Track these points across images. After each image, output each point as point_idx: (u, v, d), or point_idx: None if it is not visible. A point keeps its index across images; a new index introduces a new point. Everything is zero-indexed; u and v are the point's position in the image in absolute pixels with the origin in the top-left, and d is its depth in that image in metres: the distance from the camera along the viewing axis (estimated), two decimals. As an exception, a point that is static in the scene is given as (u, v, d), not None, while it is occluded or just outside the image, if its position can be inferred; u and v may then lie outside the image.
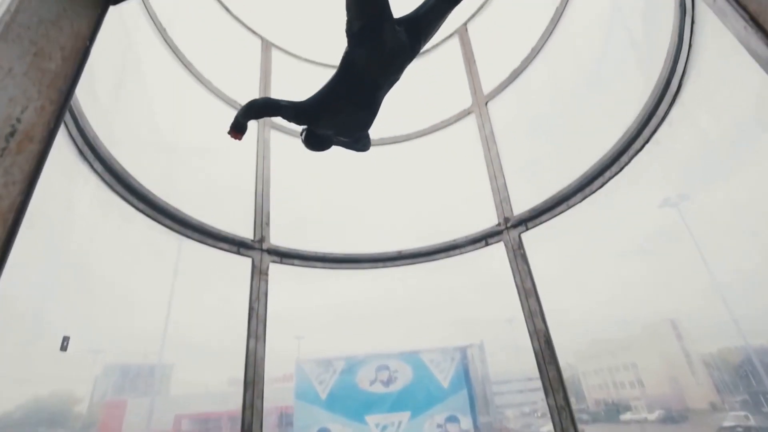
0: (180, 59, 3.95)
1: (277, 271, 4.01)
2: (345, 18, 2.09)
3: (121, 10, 3.16)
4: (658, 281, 3.39)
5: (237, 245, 3.74)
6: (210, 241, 3.52)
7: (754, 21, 1.31)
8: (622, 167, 3.04)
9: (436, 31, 2.25)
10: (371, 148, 5.58)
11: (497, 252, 4.09)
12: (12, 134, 0.51)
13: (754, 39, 1.41)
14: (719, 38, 1.70)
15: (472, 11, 5.69)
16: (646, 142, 2.73)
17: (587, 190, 3.39)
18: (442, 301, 4.38)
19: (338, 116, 2.37)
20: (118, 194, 2.63)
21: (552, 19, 4.20)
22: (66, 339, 2.07)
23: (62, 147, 2.05)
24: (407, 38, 2.12)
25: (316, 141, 2.57)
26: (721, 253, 2.71)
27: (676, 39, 2.11)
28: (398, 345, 5.85)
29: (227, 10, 5.24)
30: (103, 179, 2.45)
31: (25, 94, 0.54)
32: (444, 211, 4.84)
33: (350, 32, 2.10)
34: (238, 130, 2.65)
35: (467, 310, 4.30)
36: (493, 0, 5.47)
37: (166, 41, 3.78)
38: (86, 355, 2.45)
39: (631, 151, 2.88)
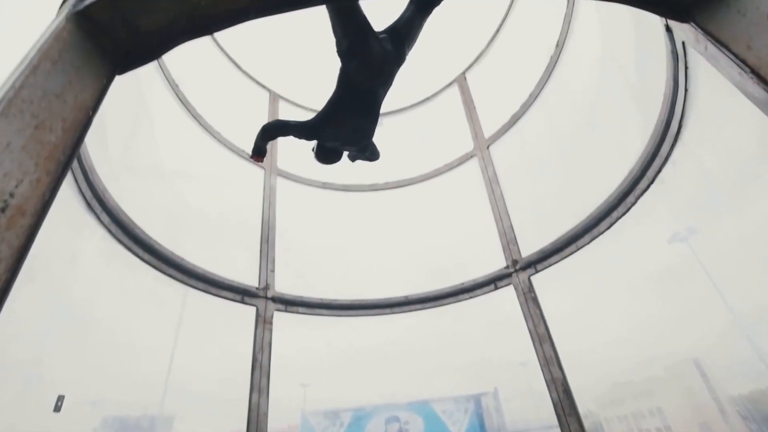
0: (190, 112, 4.12)
1: (281, 320, 3.91)
2: (334, 41, 2.33)
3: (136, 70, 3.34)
4: (675, 318, 3.24)
5: (241, 293, 3.68)
6: (214, 290, 3.48)
7: (748, 67, 1.32)
8: (629, 207, 3.02)
9: (417, 36, 2.50)
10: (379, 192, 5.66)
11: (507, 295, 3.98)
12: (3, 210, 0.51)
13: (750, 84, 1.43)
14: (715, 82, 1.73)
15: (470, 61, 5.95)
16: (651, 182, 2.72)
17: (595, 231, 3.34)
18: (453, 346, 4.21)
19: (342, 127, 2.63)
20: (124, 245, 2.63)
21: (547, 67, 4.36)
22: (60, 398, 1.98)
23: (70, 200, 2.08)
24: (392, 46, 2.38)
25: (326, 154, 2.90)
26: (737, 287, 2.61)
27: (672, 83, 2.15)
28: (408, 393, 5.57)
29: (237, 65, 5.53)
30: (109, 230, 2.46)
31: (20, 168, 0.54)
32: (451, 255, 4.78)
33: (341, 51, 2.35)
34: (259, 154, 3.00)
35: (479, 354, 4.12)
36: (490, 51, 5.72)
37: (177, 96, 3.96)
38: (85, 407, 2.35)
39: (636, 191, 2.87)
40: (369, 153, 3.14)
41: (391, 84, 2.58)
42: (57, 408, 1.97)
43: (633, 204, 2.96)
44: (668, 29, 1.86)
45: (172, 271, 3.13)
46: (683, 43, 1.81)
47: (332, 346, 4.25)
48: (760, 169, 1.96)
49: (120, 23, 0.70)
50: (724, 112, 1.85)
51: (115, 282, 2.60)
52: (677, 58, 1.98)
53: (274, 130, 2.88)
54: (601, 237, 3.32)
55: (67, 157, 0.63)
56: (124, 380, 2.75)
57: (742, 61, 0.89)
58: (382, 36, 2.36)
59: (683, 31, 1.73)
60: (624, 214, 3.06)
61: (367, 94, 2.50)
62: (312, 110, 6.28)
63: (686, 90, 2.05)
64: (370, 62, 2.35)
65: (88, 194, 2.20)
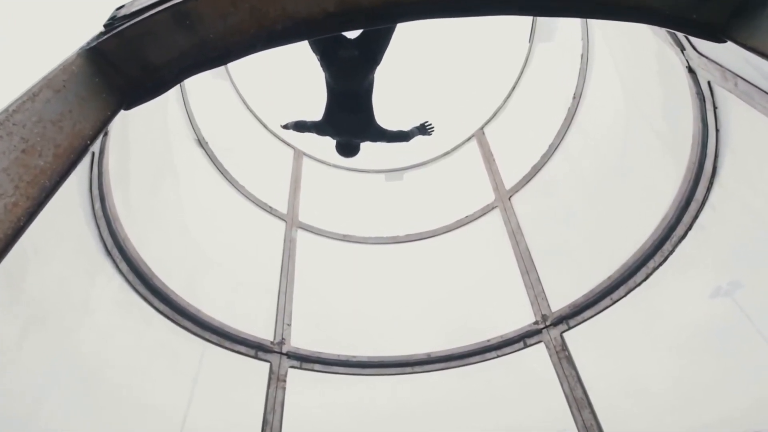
0: (217, 166, 4.29)
1: (296, 378, 3.70)
2: None
3: (167, 125, 3.56)
4: (728, 382, 2.86)
5: (255, 348, 3.54)
6: (228, 343, 3.36)
7: None
8: (666, 256, 2.81)
9: (386, 42, 2.71)
10: (400, 245, 5.57)
11: (538, 354, 3.66)
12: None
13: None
14: (749, 118, 1.64)
15: (488, 117, 6.08)
16: (689, 228, 2.54)
17: (631, 283, 3.11)
18: (480, 411, 3.82)
19: (343, 124, 3.08)
20: (140, 295, 2.61)
21: (566, 118, 4.38)
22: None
23: (90, 247, 2.10)
24: (359, 52, 2.66)
25: (342, 148, 3.37)
26: None
27: (700, 124, 2.07)
28: None
29: (264, 125, 5.85)
30: (126, 279, 2.46)
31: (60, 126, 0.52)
32: (475, 310, 4.52)
33: (319, 63, 2.75)
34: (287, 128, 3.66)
35: (509, 422, 3.71)
36: (507, 106, 5.86)
37: (205, 151, 4.16)
38: None
39: (673, 239, 2.68)
40: (388, 139, 3.44)
41: (369, 83, 2.89)
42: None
43: (671, 252, 2.75)
44: (690, 70, 1.82)
45: (187, 324, 3.06)
46: (709, 82, 1.76)
47: (349, 409, 3.94)
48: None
49: (131, 59, 0.71)
50: (765, 150, 1.73)
51: (128, 332, 2.54)
52: (703, 99, 1.92)
53: (296, 125, 3.50)
54: (638, 289, 3.07)
55: (54, 182, 0.61)
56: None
57: None
58: (351, 44, 2.65)
59: (708, 70, 1.69)
60: (661, 263, 2.84)
61: (347, 95, 2.91)
62: (334, 166, 6.48)
63: (717, 130, 1.96)
64: (338, 70, 2.74)
65: (109, 242, 2.23)
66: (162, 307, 2.83)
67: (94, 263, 2.17)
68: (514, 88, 5.79)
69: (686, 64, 1.78)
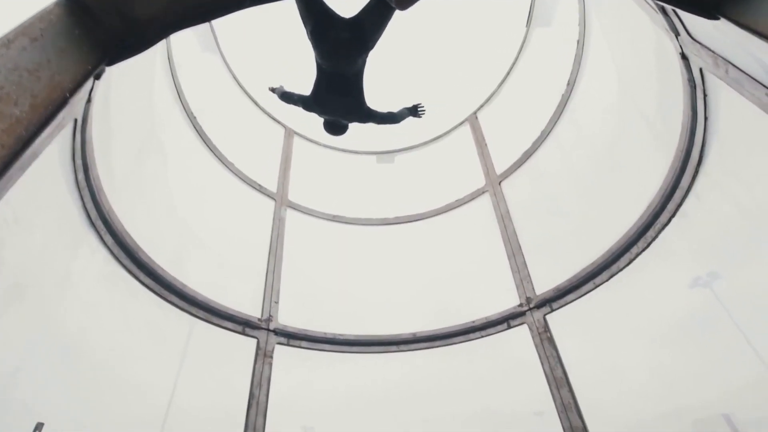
0: (206, 142, 4.21)
1: (283, 354, 3.74)
2: None
3: (154, 99, 3.46)
4: (702, 369, 2.98)
5: (242, 324, 3.55)
6: (215, 319, 3.37)
7: None
8: (649, 242, 2.87)
9: (381, 27, 2.59)
10: (389, 227, 5.57)
11: (521, 335, 3.75)
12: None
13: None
14: (738, 106, 1.66)
15: (481, 102, 6.05)
16: (672, 215, 2.59)
17: (614, 268, 3.18)
18: (463, 390, 3.92)
19: (330, 105, 2.96)
20: (126, 268, 2.58)
21: (559, 105, 4.38)
22: (39, 426, 1.86)
23: (73, 217, 2.06)
24: (351, 36, 2.54)
25: (330, 126, 3.22)
26: (765, 333, 2.39)
27: (690, 112, 2.09)
28: None
29: (255, 102, 5.73)
30: (111, 252, 2.42)
31: (39, 73, 0.50)
32: (461, 292, 4.59)
33: (308, 37, 2.63)
34: (275, 91, 3.49)
35: (491, 401, 3.82)
36: (501, 91, 5.82)
37: (194, 126, 4.07)
38: None
39: (657, 225, 2.74)
40: (378, 120, 3.26)
41: (359, 67, 2.78)
42: (35, 436, 1.84)
43: (654, 238, 2.81)
44: (684, 57, 1.82)
45: (173, 298, 3.05)
46: (701, 69, 1.76)
47: (335, 387, 4.01)
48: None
49: (113, 11, 0.68)
50: (752, 139, 1.76)
51: (113, 306, 2.53)
52: (694, 86, 1.93)
53: (284, 95, 3.35)
54: (620, 274, 3.14)
55: (31, 133, 0.59)
56: (116, 411, 2.59)
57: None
58: (342, 26, 2.55)
59: (701, 57, 1.69)
60: (644, 249, 2.91)
61: (336, 76, 2.78)
62: (325, 146, 6.41)
63: (706, 118, 1.98)
64: (327, 50, 2.64)
65: (93, 213, 2.19)
66: (148, 281, 2.81)
67: (77, 235, 2.13)
68: (509, 73, 5.74)
69: (680, 50, 1.78)
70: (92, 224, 2.21)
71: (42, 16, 0.60)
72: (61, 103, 0.65)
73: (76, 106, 1.41)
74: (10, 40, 0.54)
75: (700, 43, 1.56)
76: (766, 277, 2.29)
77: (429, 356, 4.14)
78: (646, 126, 2.93)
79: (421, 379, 4.08)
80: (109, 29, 0.70)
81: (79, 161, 1.89)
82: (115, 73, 2.20)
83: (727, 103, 1.78)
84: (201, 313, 3.27)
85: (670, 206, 2.55)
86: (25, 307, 1.73)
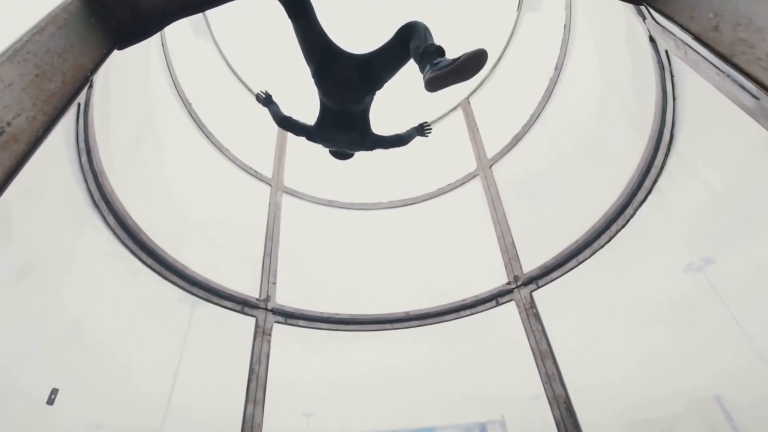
0: (201, 129, 4.29)
1: (280, 333, 3.90)
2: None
3: (150, 86, 3.53)
4: (690, 351, 3.11)
5: (241, 304, 3.70)
6: (215, 299, 3.51)
7: (727, 61, 1.33)
8: (627, 219, 3.02)
9: (395, 67, 2.44)
10: (383, 211, 5.69)
11: (509, 312, 3.92)
12: (0, 134, 0.58)
13: (728, 83, 1.47)
14: (699, 87, 1.78)
15: (474, 87, 6.12)
16: (648, 192, 2.73)
17: (595, 245, 3.33)
18: (454, 364, 4.11)
19: (334, 138, 2.82)
20: (128, 248, 2.70)
21: (547, 89, 4.47)
22: (54, 391, 2.00)
23: (77, 198, 2.17)
24: (360, 76, 2.39)
25: (337, 155, 3.14)
26: (756, 318, 2.50)
27: (661, 93, 2.21)
28: (410, 418, 5.39)
29: (249, 89, 5.78)
30: (114, 232, 2.54)
31: (19, 104, 0.61)
32: (453, 273, 4.75)
33: (312, 75, 2.48)
34: (264, 102, 3.32)
35: (480, 374, 4.02)
36: (493, 77, 5.89)
37: (190, 113, 4.14)
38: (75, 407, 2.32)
39: (635, 203, 2.88)
40: (386, 146, 3.16)
41: (366, 104, 2.65)
42: (50, 401, 1.98)
43: (632, 216, 2.96)
44: (652, 40, 1.94)
45: (174, 278, 3.18)
46: (666, 51, 1.88)
47: (331, 363, 4.18)
48: (754, 174, 1.97)
49: (123, 3, 0.79)
50: (711, 117, 1.89)
51: (116, 285, 2.65)
52: (663, 67, 2.04)
53: (286, 120, 3.13)
54: (601, 251, 3.30)
55: (63, 104, 0.71)
56: (120, 387, 2.73)
57: (686, 31, 0.94)
58: (352, 63, 2.38)
59: (665, 39, 1.81)
60: (623, 226, 3.06)
61: (340, 113, 2.62)
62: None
63: (674, 98, 2.11)
64: (332, 88, 2.46)
65: (96, 195, 2.30)
66: (150, 261, 2.93)
67: (81, 215, 2.24)
68: (500, 58, 5.80)
69: (648, 34, 1.89)
70: (95, 205, 2.32)
71: (65, 7, 0.70)
72: (84, 81, 0.77)
73: (75, 95, 1.51)
74: (42, 27, 0.64)
75: (663, 26, 1.68)
76: (740, 251, 2.44)
77: (421, 333, 4.33)
78: (625, 108, 3.04)
79: (413, 354, 4.27)
80: (118, 18, 0.80)
81: (82, 144, 2.00)
82: (112, 62, 2.29)
83: (691, 84, 1.90)
84: (201, 293, 3.41)
85: (647, 183, 2.69)
86: (33, 284, 1.86)
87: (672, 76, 2.02)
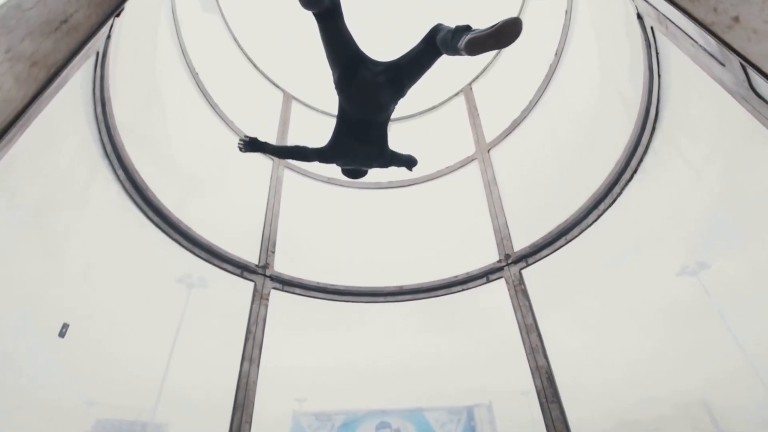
0: (207, 99, 4.39)
1: (277, 299, 4.04)
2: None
3: (158, 53, 3.63)
4: (681, 352, 3.09)
5: (241, 268, 3.84)
6: (216, 261, 3.65)
7: (704, 27, 1.42)
8: (615, 198, 3.14)
9: (421, 74, 2.41)
10: (382, 191, 5.80)
11: (498, 289, 4.06)
12: (64, 21, 0.70)
13: (701, 54, 1.59)
14: (680, 61, 1.89)
15: (476, 73, 6.21)
16: (635, 171, 2.85)
17: (584, 224, 3.46)
18: (443, 335, 4.28)
19: (350, 154, 2.75)
20: (135, 203, 2.83)
21: (546, 75, 4.56)
22: (65, 326, 2.15)
23: (91, 148, 2.29)
24: (386, 81, 2.32)
25: (349, 173, 3.09)
26: (747, 324, 2.51)
27: (648, 72, 2.32)
28: (400, 400, 5.59)
29: (254, 65, 5.87)
30: (123, 186, 2.67)
31: (78, 3, 0.74)
32: (447, 252, 4.88)
33: (334, 82, 2.41)
34: (250, 148, 3.21)
35: (468, 345, 4.18)
36: (496, 63, 5.97)
37: (196, 83, 4.25)
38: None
39: (622, 182, 3.00)
40: (399, 164, 3.15)
41: (387, 115, 2.58)
42: (61, 334, 2.13)
43: (619, 194, 3.08)
44: (639, 17, 2.04)
45: (178, 237, 3.32)
46: (652, 28, 1.98)
47: (324, 331, 4.34)
48: (733, 148, 2.08)
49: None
50: (690, 90, 2.00)
51: (123, 236, 2.79)
52: (649, 45, 2.15)
53: (292, 152, 3.14)
54: (589, 229, 3.43)
55: (112, 8, 0.83)
56: (120, 336, 2.86)
57: (689, 17, 1.05)
58: (378, 69, 2.34)
59: (650, 15, 1.92)
60: (611, 205, 3.18)
61: (361, 124, 2.55)
62: (323, 112, 6.58)
63: (659, 75, 2.22)
64: (357, 97, 2.38)
65: (108, 147, 2.42)
66: (155, 218, 3.07)
67: (94, 164, 2.37)
68: (504, 45, 5.85)
69: (636, 11, 1.99)
70: (107, 157, 2.45)
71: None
72: (104, 21, 0.88)
73: (99, 39, 1.63)
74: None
75: (647, 2, 1.79)
76: (724, 232, 2.55)
77: (413, 307, 4.48)
78: (619, 91, 3.15)
79: (404, 326, 4.43)
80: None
81: (98, 94, 2.11)
82: (124, 24, 2.39)
83: (674, 59, 2.00)
84: (203, 254, 3.55)
85: (633, 163, 2.80)
86: (50, 221, 1.99)
87: (657, 54, 2.13)
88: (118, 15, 1.67)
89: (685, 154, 2.39)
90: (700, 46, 1.55)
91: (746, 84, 1.32)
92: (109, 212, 2.57)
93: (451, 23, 2.22)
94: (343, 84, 2.35)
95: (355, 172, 3.09)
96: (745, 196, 2.19)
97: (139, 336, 3.05)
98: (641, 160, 2.76)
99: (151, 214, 2.99)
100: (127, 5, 1.61)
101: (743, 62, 1.05)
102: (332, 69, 2.36)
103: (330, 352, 4.42)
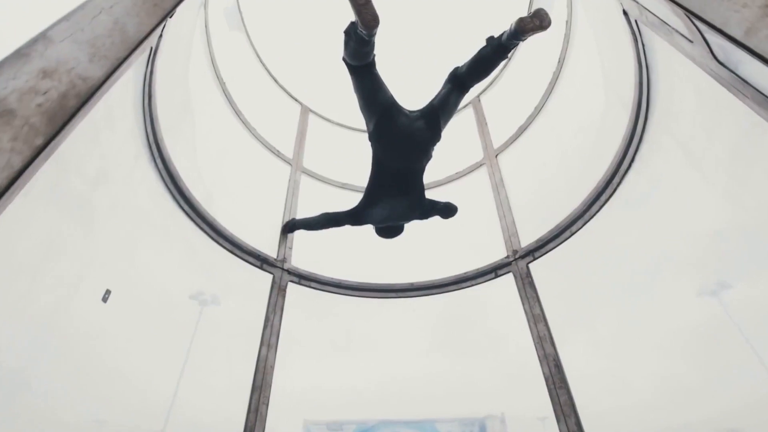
0: (233, 106, 4.75)
1: (294, 292, 4.24)
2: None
3: (191, 62, 4.01)
4: (702, 375, 3.04)
5: (261, 261, 4.07)
6: (238, 252, 3.89)
7: (681, 6, 1.62)
8: (615, 189, 3.31)
9: (451, 116, 2.47)
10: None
11: (507, 283, 4.19)
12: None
13: (675, 36, 1.81)
14: (662, 50, 2.11)
15: (484, 86, 6.51)
16: (632, 161, 3.03)
17: (587, 216, 3.61)
18: (453, 328, 4.40)
19: (387, 208, 2.65)
20: (170, 192, 3.11)
21: (550, 81, 4.82)
22: (108, 292, 2.38)
23: (137, 135, 2.59)
24: (425, 124, 2.30)
25: (385, 232, 2.96)
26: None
27: (637, 64, 2.54)
28: (411, 410, 5.64)
29: (274, 79, 6.28)
30: (161, 175, 2.96)
31: (144, 2, 1.01)
32: (456, 250, 5.05)
33: (370, 133, 2.36)
34: (289, 230, 3.18)
35: (477, 338, 4.29)
36: (503, 76, 6.27)
37: (223, 91, 4.62)
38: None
39: (620, 172, 3.18)
40: (437, 212, 3.02)
41: (428, 159, 2.48)
42: (104, 299, 2.37)
43: (619, 184, 3.25)
44: (625, 13, 2.28)
45: (206, 228, 3.58)
46: (636, 21, 2.21)
47: (338, 324, 4.50)
48: (716, 128, 2.26)
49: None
50: (672, 75, 2.20)
51: (157, 223, 3.05)
52: (636, 38, 2.38)
53: (323, 222, 2.90)
54: (592, 221, 3.58)
55: (168, 10, 1.11)
56: (150, 312, 3.04)
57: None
58: (414, 114, 2.31)
59: (633, 9, 2.16)
60: (611, 195, 3.35)
61: (400, 174, 2.45)
62: (339, 125, 6.94)
63: (647, 66, 2.43)
64: (399, 142, 2.30)
65: (151, 137, 2.72)
66: (186, 208, 3.34)
67: (139, 150, 2.66)
68: (510, 58, 6.17)
69: (622, 8, 2.24)
70: (149, 146, 2.74)
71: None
72: (161, 20, 1.17)
73: (154, 35, 1.93)
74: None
75: (629, -4, 2.03)
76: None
77: (424, 302, 4.62)
78: (616, 89, 3.37)
79: (415, 318, 4.56)
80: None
81: (147, 87, 2.42)
82: (164, 38, 2.73)
83: (658, 47, 2.21)
84: (227, 245, 3.80)
85: (630, 152, 2.99)
86: (101, 194, 2.26)
87: (643, 45, 2.35)
88: (171, 16, 1.99)
89: (677, 140, 2.57)
90: (672, 27, 1.77)
91: (710, 55, 1.53)
92: (148, 196, 2.85)
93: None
94: (381, 132, 2.29)
95: (391, 229, 2.92)
96: (746, 186, 2.30)
97: (169, 298, 3.23)
98: (637, 149, 2.94)
99: (182, 202, 3.26)
100: (177, 9, 1.93)
101: (696, 20, 1.26)
102: (368, 119, 2.32)
103: (341, 324, 4.51)
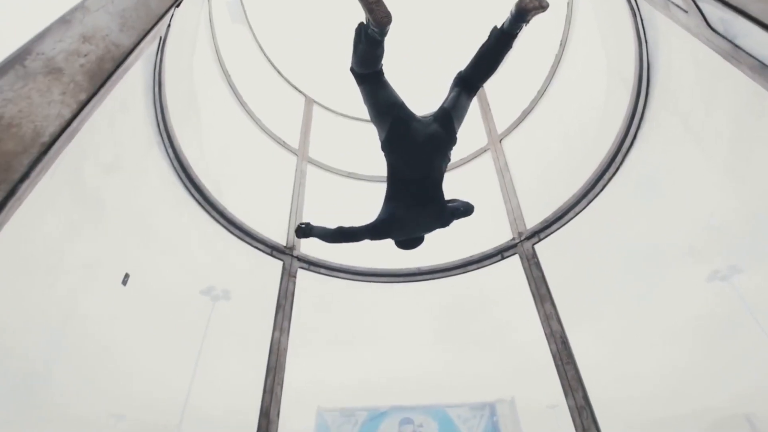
0: (238, 98, 4.82)
1: (304, 278, 4.34)
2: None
3: (196, 54, 4.08)
4: (716, 361, 3.02)
5: (271, 248, 4.17)
6: (248, 239, 3.99)
7: None
8: (618, 167, 3.34)
9: (464, 117, 2.41)
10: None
11: (513, 264, 4.25)
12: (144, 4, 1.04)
13: (672, 8, 1.84)
14: (659, 23, 2.14)
15: (488, 72, 6.48)
16: (634, 138, 3.06)
17: (590, 195, 3.65)
18: (461, 310, 4.48)
19: (407, 221, 2.52)
20: (181, 180, 3.20)
21: (552, 65, 4.82)
22: (127, 276, 2.49)
23: (148, 123, 2.67)
24: (440, 127, 2.23)
25: (405, 244, 2.86)
26: None
27: (637, 40, 2.56)
28: (421, 395, 5.76)
29: (278, 71, 6.33)
30: (171, 163, 3.05)
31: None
32: (463, 235, 5.10)
33: (383, 143, 2.26)
34: (302, 234, 3.16)
35: (484, 318, 4.36)
36: (506, 62, 6.23)
37: (228, 83, 4.69)
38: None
39: (623, 150, 3.21)
40: (459, 216, 2.90)
41: (447, 161, 2.41)
42: (124, 282, 2.47)
43: (621, 163, 3.28)
44: (624, -12, 2.30)
45: (216, 216, 3.68)
46: (635, -4, 2.24)
47: (347, 307, 4.60)
48: (716, 100, 2.28)
49: None
50: (669, 48, 2.23)
51: (170, 209, 3.15)
52: (635, 13, 2.40)
53: (338, 236, 2.92)
54: (596, 200, 3.62)
55: (162, 12, 1.19)
56: (166, 289, 3.13)
57: None
58: (427, 119, 2.26)
59: (631, -17, 2.18)
60: (615, 174, 3.38)
61: (418, 183, 2.33)
62: (343, 115, 6.99)
63: (646, 42, 2.45)
64: (414, 149, 2.21)
65: (162, 126, 2.80)
66: (197, 196, 3.43)
67: (151, 138, 2.75)
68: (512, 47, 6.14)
69: (621, -17, 2.26)
70: (160, 134, 2.83)
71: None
72: (169, 8, 1.23)
73: (163, 24, 2.00)
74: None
75: (627, -30, 2.05)
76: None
77: (432, 287, 4.70)
78: (619, 69, 3.38)
79: (425, 307, 4.65)
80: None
81: (158, 76, 2.50)
82: (174, 19, 2.80)
83: (659, 24, 2.24)
84: (238, 233, 3.89)
85: (632, 130, 3.02)
86: (115, 181, 2.35)
87: (642, 20, 2.37)
88: (178, 5, 2.06)
89: (679, 114, 2.60)
90: (669, 1, 1.80)
91: (704, 23, 1.57)
92: (160, 184, 2.94)
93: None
94: (394, 141, 2.20)
95: (411, 241, 2.83)
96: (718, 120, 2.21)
97: (183, 281, 3.32)
98: (639, 127, 2.97)
99: (193, 191, 3.36)
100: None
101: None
102: (380, 128, 2.23)
103: (349, 307, 4.59)
